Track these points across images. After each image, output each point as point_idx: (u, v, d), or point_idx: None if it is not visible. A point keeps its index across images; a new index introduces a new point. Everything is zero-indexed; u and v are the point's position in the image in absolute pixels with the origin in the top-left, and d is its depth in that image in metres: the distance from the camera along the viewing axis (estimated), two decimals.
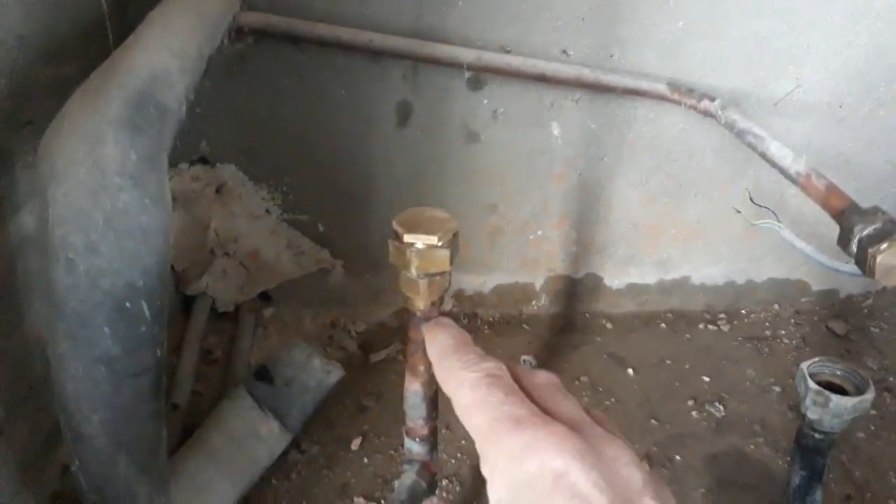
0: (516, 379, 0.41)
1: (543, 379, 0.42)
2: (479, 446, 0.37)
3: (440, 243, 0.46)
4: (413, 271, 0.47)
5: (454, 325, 0.46)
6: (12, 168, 0.96)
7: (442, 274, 0.48)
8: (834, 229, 1.17)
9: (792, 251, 1.28)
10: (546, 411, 0.38)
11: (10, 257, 0.98)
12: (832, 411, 1.05)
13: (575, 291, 1.79)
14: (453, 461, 1.38)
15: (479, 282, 1.74)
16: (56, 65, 1.03)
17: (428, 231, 0.46)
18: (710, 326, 1.80)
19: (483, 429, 0.37)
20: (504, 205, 1.63)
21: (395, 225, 0.47)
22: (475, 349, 0.43)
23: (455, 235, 0.48)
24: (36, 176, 0.74)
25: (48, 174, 0.72)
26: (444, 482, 1.35)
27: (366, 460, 1.39)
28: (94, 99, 0.74)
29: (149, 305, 0.80)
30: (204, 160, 1.48)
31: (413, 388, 0.55)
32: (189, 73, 0.85)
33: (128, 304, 0.77)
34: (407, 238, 0.46)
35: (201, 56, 0.92)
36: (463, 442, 1.41)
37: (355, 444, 1.42)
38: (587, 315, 1.81)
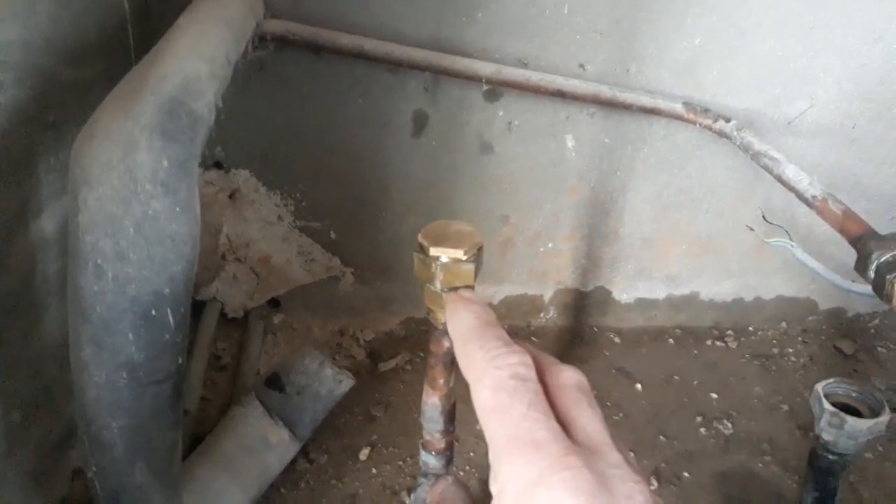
0: (541, 374, 0.39)
1: (570, 380, 0.40)
2: (491, 457, 0.36)
3: (465, 257, 0.46)
4: (437, 285, 0.47)
5: (477, 300, 0.44)
6: (36, 170, 0.96)
7: (466, 288, 0.48)
8: (844, 248, 1.18)
9: (801, 269, 1.29)
10: (566, 424, 0.37)
11: (31, 260, 0.98)
12: (847, 433, 1.05)
13: (584, 305, 1.79)
14: (462, 473, 1.37)
15: (488, 293, 1.74)
16: (79, 67, 1.03)
17: (454, 245, 0.46)
18: (718, 343, 1.80)
19: (498, 442, 0.35)
20: (516, 216, 1.64)
21: (420, 238, 0.47)
22: (499, 332, 0.40)
23: (480, 250, 0.48)
24: (67, 180, 0.73)
25: (80, 179, 0.72)
26: None
27: (374, 471, 1.38)
28: (127, 105, 0.73)
29: (173, 313, 0.79)
30: (219, 165, 1.48)
31: (431, 402, 0.54)
32: (218, 79, 0.85)
33: (153, 312, 0.77)
34: (433, 251, 0.46)
35: (229, 63, 0.92)
36: (472, 454, 1.40)
37: (363, 453, 1.41)
38: (595, 329, 1.81)
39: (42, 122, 0.95)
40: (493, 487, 0.35)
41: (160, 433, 0.89)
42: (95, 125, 0.73)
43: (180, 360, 0.85)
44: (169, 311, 0.79)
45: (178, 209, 0.74)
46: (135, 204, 0.71)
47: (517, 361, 0.38)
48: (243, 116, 1.41)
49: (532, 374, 0.38)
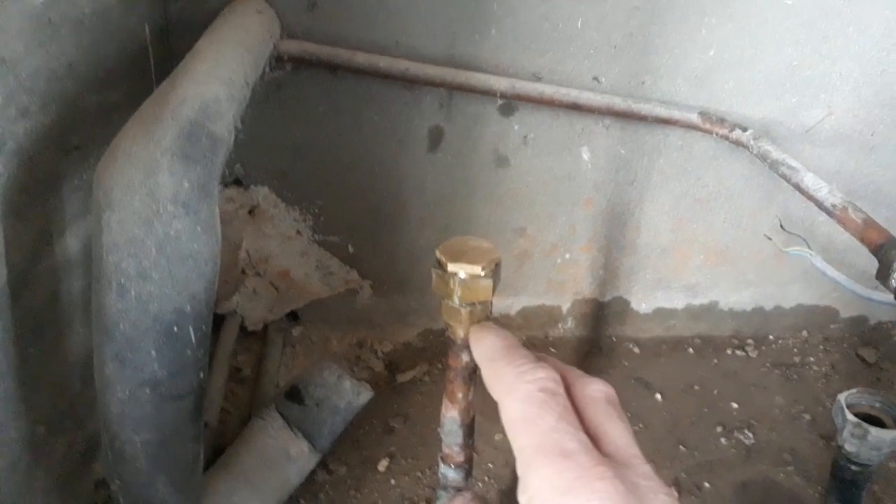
0: (569, 388, 0.39)
1: (598, 392, 0.40)
2: (519, 469, 0.36)
3: (483, 273, 0.47)
4: (456, 300, 0.48)
5: (500, 328, 0.45)
6: (60, 191, 0.99)
7: (484, 303, 0.49)
8: (864, 256, 1.17)
9: (821, 277, 1.27)
10: (595, 436, 0.37)
11: (55, 278, 1.00)
12: (871, 444, 1.04)
13: (602, 315, 1.79)
14: (480, 484, 1.38)
15: (505, 304, 1.74)
16: (101, 92, 1.05)
17: (472, 261, 0.47)
18: (738, 352, 1.79)
19: (527, 453, 0.36)
20: (532, 228, 1.64)
21: (438, 254, 0.48)
22: (525, 352, 0.41)
23: (498, 265, 0.48)
24: (91, 202, 0.76)
25: (103, 202, 0.74)
26: None
27: (393, 482, 1.39)
28: (148, 128, 0.76)
29: (195, 330, 0.81)
30: (238, 182, 1.50)
31: (450, 415, 0.55)
32: (237, 101, 0.87)
33: (175, 329, 0.79)
34: (451, 267, 0.47)
35: (247, 84, 0.94)
36: (490, 465, 1.41)
37: (382, 465, 1.42)
38: (614, 339, 1.80)
39: (66, 146, 0.97)
40: (522, 499, 0.35)
41: (182, 447, 0.91)
42: (117, 149, 0.75)
43: (201, 376, 0.87)
44: (191, 329, 0.81)
45: (199, 229, 0.76)
46: (157, 225, 0.73)
47: (545, 376, 0.39)
48: (262, 134, 1.43)
49: (560, 388, 0.39)
